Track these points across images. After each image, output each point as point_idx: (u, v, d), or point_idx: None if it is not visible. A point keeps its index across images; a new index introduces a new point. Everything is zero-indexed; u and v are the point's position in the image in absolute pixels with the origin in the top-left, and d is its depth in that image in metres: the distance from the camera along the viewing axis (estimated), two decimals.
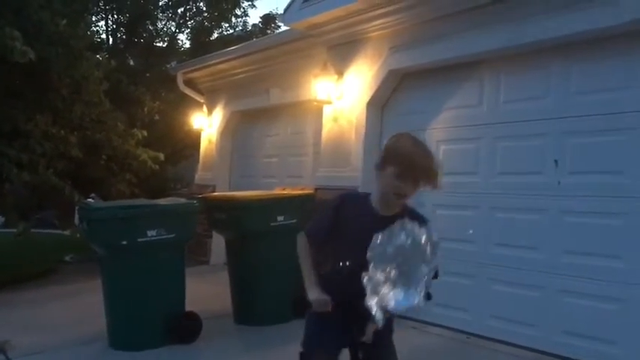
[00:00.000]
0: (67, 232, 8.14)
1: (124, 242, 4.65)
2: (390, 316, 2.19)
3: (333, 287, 2.30)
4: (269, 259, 5.36)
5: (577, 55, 4.65)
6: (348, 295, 2.19)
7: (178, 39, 15.80)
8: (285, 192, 6.13)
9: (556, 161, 4.67)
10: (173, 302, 4.94)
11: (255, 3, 17.90)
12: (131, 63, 14.28)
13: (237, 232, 5.60)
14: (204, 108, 9.72)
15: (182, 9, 15.24)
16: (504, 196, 5.03)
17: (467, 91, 5.43)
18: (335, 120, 6.47)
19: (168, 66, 12.20)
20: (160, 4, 15.04)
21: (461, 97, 5.47)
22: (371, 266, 2.05)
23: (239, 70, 8.68)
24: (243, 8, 15.89)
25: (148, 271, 4.78)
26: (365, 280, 2.06)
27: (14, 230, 7.50)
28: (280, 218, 5.51)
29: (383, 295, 2.03)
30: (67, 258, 9.23)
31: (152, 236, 4.71)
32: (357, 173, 6.04)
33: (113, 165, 9.74)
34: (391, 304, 2.03)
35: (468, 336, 5.10)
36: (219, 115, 9.37)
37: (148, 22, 14.66)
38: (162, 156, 10.25)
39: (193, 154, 11.44)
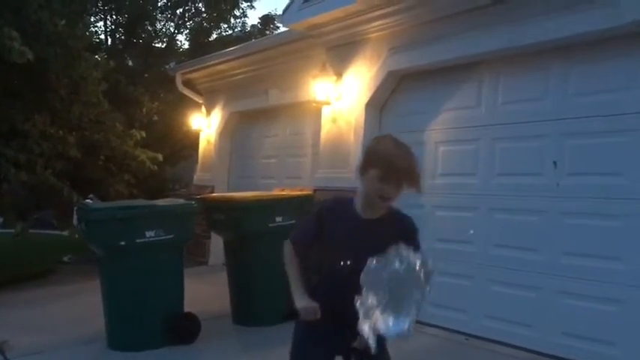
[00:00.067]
0: (65, 233, 8.13)
1: (123, 243, 4.64)
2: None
3: (332, 290, 2.27)
4: (268, 259, 5.32)
5: (577, 57, 4.65)
6: (350, 298, 2.13)
7: (177, 40, 15.83)
8: (284, 193, 6.13)
9: (555, 163, 4.68)
10: (172, 303, 4.94)
11: (254, 4, 17.92)
12: (130, 63, 14.28)
13: (235, 233, 5.60)
14: (203, 108, 9.72)
15: (181, 10, 15.25)
16: (503, 197, 5.04)
17: (466, 93, 5.43)
18: (334, 121, 6.47)
19: (166, 67, 12.20)
20: (159, 4, 15.05)
21: (460, 98, 5.48)
22: (364, 291, 2.04)
23: (238, 71, 8.68)
24: (242, 9, 15.92)
25: (147, 271, 4.77)
26: (357, 304, 2.05)
27: (12, 230, 7.48)
28: (279, 219, 5.51)
29: (374, 320, 2.02)
30: (66, 258, 9.20)
31: (151, 237, 4.70)
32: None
33: (111, 165, 9.76)
34: (382, 329, 2.02)
35: (467, 337, 5.09)
36: (217, 115, 9.36)
37: (146, 22, 14.66)
38: (160, 156, 10.27)
39: (192, 154, 11.44)
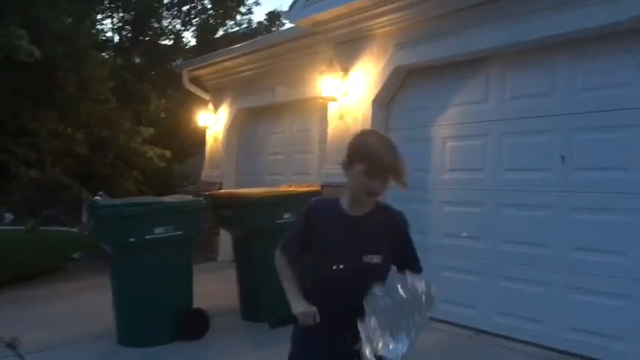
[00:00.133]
0: (75, 230, 8.19)
1: (132, 239, 4.68)
2: None
3: (329, 292, 2.22)
4: None
5: (583, 52, 4.63)
6: (348, 299, 2.11)
7: (183, 37, 15.80)
8: (292, 189, 6.14)
9: (563, 157, 4.67)
10: (181, 299, 4.97)
11: (259, 0, 17.90)
12: (137, 61, 14.29)
13: (243, 230, 5.62)
14: (210, 105, 9.73)
15: (187, 7, 15.23)
16: (511, 192, 5.03)
17: (472, 88, 5.42)
18: (340, 117, 6.47)
19: (173, 64, 12.22)
20: (165, 2, 15.02)
21: (467, 93, 5.47)
22: (366, 315, 2.06)
23: (244, 68, 8.69)
24: (248, 6, 15.88)
25: (156, 268, 4.80)
26: (360, 329, 2.06)
27: (23, 227, 7.55)
28: (287, 215, 5.50)
29: (376, 343, 2.04)
30: (76, 255, 9.28)
31: (159, 233, 4.73)
32: None
33: (120, 162, 9.79)
34: (382, 351, 2.05)
35: (476, 332, 5.10)
36: (224, 112, 9.38)
37: (153, 20, 14.65)
38: (168, 153, 10.29)
39: (199, 151, 11.46)
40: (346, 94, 6.38)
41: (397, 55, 5.88)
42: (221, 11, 15.30)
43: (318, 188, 6.14)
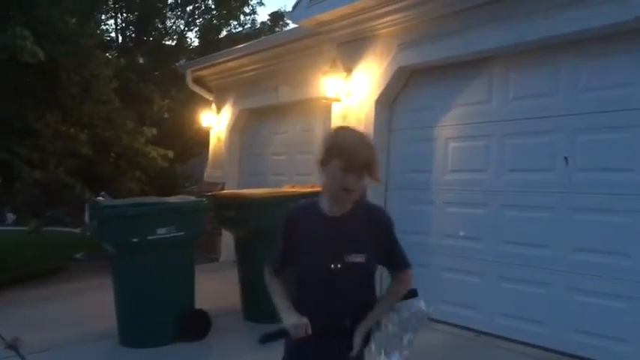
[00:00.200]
0: (77, 230, 8.18)
1: (135, 240, 4.68)
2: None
3: (317, 298, 2.19)
4: None
5: (587, 52, 4.62)
6: (336, 304, 2.13)
7: (187, 37, 15.83)
8: (295, 190, 6.12)
9: (566, 158, 4.65)
10: (183, 299, 4.97)
11: (263, 1, 17.93)
12: (140, 61, 14.33)
13: (246, 230, 5.61)
14: (213, 106, 9.74)
15: (191, 7, 15.26)
16: (514, 193, 5.02)
17: (476, 88, 5.41)
18: (344, 117, 6.46)
19: (177, 64, 12.24)
20: (169, 2, 15.06)
21: (470, 94, 5.45)
22: (371, 344, 2.12)
23: (248, 68, 8.69)
24: (252, 6, 15.89)
25: (158, 268, 4.80)
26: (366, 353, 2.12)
27: (26, 228, 7.55)
28: None
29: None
30: (78, 256, 9.28)
31: (162, 234, 4.73)
32: None
33: (123, 163, 9.81)
34: None
35: (477, 334, 5.09)
36: (228, 112, 9.38)
37: (156, 20, 14.70)
38: (171, 153, 10.31)
39: (202, 151, 11.47)
40: (349, 95, 6.38)
41: (400, 55, 5.87)
42: (225, 11, 15.33)
43: (320, 189, 6.12)
